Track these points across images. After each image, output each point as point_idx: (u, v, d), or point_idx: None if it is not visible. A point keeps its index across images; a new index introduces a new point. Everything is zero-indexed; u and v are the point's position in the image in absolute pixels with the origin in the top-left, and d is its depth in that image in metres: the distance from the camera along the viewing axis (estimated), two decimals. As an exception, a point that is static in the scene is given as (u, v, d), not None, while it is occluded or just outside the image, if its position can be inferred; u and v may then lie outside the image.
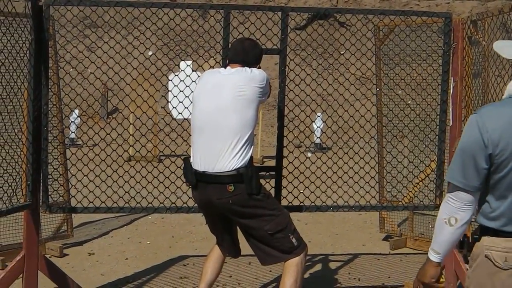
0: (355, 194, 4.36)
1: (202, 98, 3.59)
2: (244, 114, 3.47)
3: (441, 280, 2.40)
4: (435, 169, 4.43)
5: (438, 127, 4.37)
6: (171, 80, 4.32)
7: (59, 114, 5.02)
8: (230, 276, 4.91)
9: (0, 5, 3.45)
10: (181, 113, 4.22)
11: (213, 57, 4.99)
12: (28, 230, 3.90)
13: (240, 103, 3.47)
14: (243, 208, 3.50)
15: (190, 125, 3.67)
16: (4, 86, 3.65)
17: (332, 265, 5.28)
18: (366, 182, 4.45)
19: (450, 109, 4.30)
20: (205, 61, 4.57)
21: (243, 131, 3.45)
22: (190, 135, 3.67)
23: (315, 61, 6.03)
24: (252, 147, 3.55)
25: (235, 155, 3.43)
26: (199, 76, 3.79)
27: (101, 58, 4.18)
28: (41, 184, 3.94)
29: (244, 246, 3.83)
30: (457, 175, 2.25)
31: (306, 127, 4.76)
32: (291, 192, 4.22)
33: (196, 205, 3.79)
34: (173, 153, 5.34)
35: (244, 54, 3.65)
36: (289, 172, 4.24)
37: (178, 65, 5.05)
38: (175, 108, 4.24)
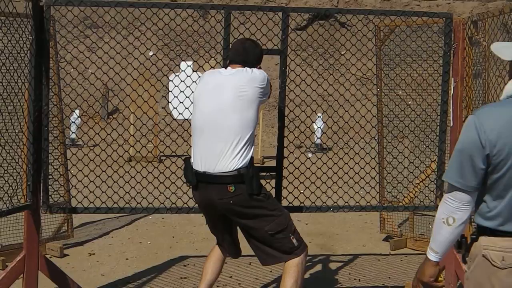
0: (355, 195, 4.36)
1: (202, 99, 3.59)
2: (244, 114, 3.47)
3: (440, 279, 2.41)
4: (436, 170, 4.43)
5: (438, 127, 4.37)
6: (171, 81, 4.32)
7: (60, 114, 5.02)
8: (231, 277, 4.91)
9: (0, 6, 3.45)
10: (181, 114, 4.22)
11: (213, 57, 5.00)
12: (28, 231, 3.90)
13: (241, 104, 3.47)
14: (243, 208, 3.50)
15: (190, 125, 3.67)
16: (5, 86, 3.64)
17: (333, 266, 5.28)
18: (367, 183, 4.45)
19: (451, 110, 4.30)
20: (206, 62, 4.57)
21: (243, 131, 3.45)
22: (191, 136, 3.67)
23: (315, 62, 6.02)
24: (253, 147, 3.54)
25: (236, 155, 3.43)
26: (199, 77, 3.79)
27: (101, 59, 4.18)
28: (41, 185, 3.94)
29: (245, 246, 3.83)
30: (454, 175, 2.28)
31: (307, 127, 4.77)
32: (291, 193, 4.22)
33: (196, 205, 3.79)
34: (173, 154, 5.34)
35: (244, 54, 3.65)
36: (290, 173, 4.24)
37: (179, 66, 5.06)
38: (176, 108, 4.24)
